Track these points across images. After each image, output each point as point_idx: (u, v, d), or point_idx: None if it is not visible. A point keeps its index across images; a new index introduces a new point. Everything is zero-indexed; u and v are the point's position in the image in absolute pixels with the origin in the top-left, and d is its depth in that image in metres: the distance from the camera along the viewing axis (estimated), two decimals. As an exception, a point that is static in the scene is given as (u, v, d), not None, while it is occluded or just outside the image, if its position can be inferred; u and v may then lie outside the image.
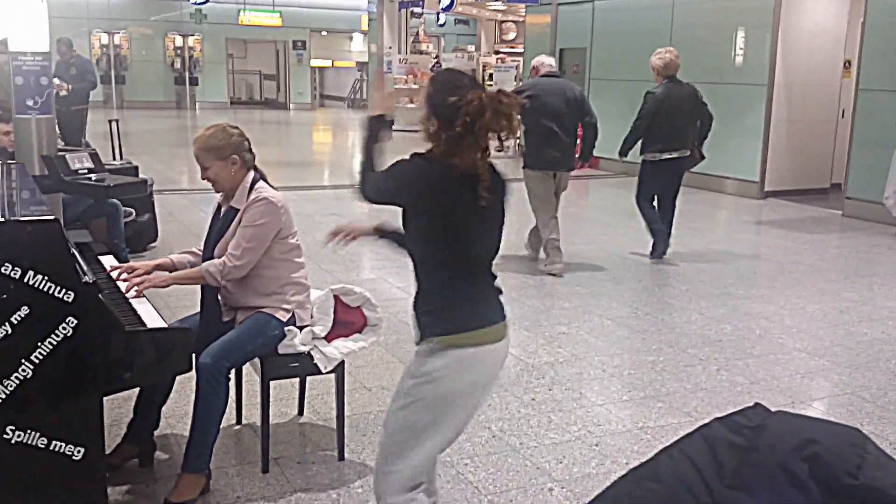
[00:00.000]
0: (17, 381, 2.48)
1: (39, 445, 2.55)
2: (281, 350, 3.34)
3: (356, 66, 31.40)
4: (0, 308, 2.43)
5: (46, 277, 2.46)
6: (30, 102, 4.87)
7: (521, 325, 5.45)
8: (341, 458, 3.55)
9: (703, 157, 7.37)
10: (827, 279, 7.00)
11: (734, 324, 5.64)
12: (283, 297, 3.36)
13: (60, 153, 5.27)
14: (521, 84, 8.24)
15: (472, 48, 21.67)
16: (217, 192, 3.42)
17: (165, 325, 2.94)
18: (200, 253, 3.51)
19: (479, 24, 26.64)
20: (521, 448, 3.73)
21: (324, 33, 29.31)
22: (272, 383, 3.39)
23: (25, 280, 2.44)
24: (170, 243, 7.35)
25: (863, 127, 9.81)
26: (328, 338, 3.45)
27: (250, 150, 3.40)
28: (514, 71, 16.89)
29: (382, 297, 5.38)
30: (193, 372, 3.04)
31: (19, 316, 2.45)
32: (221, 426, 3.23)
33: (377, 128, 2.59)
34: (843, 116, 11.33)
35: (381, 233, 2.76)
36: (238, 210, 3.31)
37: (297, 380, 3.98)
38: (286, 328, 3.34)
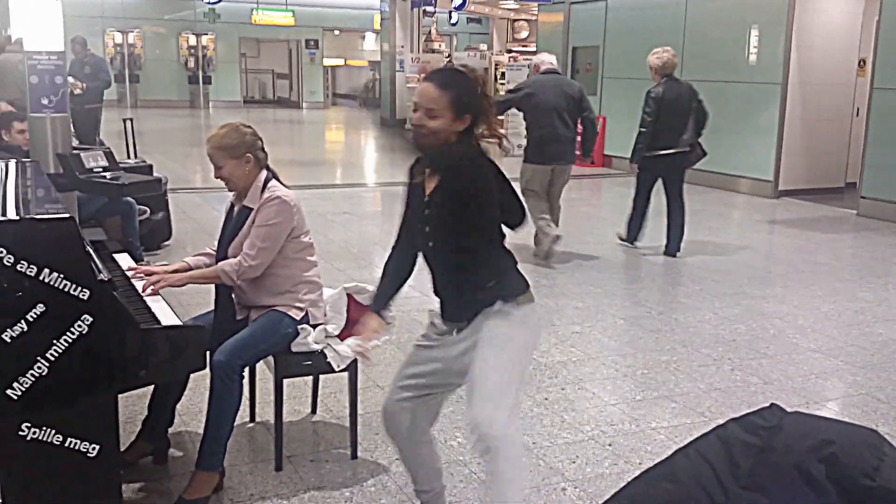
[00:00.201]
0: (33, 379, 2.49)
1: (55, 442, 2.56)
2: (294, 348, 3.35)
3: (368, 66, 31.43)
4: (16, 306, 2.44)
5: (62, 275, 2.47)
6: (45, 101, 4.90)
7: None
8: (354, 456, 3.56)
9: (704, 154, 7.41)
10: (841, 279, 6.96)
11: (748, 323, 5.62)
12: (296, 296, 3.37)
13: (75, 152, 5.30)
14: (521, 81, 8.44)
15: (484, 47, 21.65)
16: (230, 190, 3.43)
17: (180, 323, 2.94)
18: (214, 252, 3.53)
19: (492, 22, 26.60)
20: (534, 447, 3.72)
21: (336, 32, 29.35)
22: (285, 381, 3.40)
23: (41, 278, 2.45)
24: (183, 241, 7.38)
25: (878, 126, 9.74)
26: (341, 336, 3.45)
27: (263, 148, 3.41)
28: (527, 70, 16.85)
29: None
30: (207, 370, 3.05)
31: (35, 313, 2.46)
32: (235, 424, 3.24)
33: None
34: (857, 115, 11.26)
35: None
36: (251, 209, 3.32)
37: (310, 378, 3.98)
38: (299, 326, 3.34)
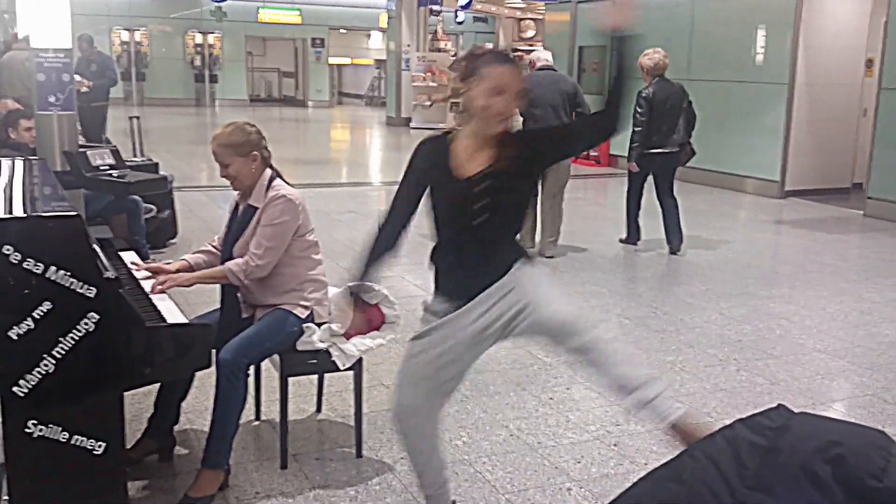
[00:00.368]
0: (39, 376, 2.50)
1: (61, 440, 2.57)
2: (299, 347, 3.35)
3: (374, 64, 31.44)
4: (22, 303, 2.45)
5: (68, 273, 2.48)
6: (51, 99, 4.91)
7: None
8: (359, 454, 3.56)
9: (694, 153, 7.59)
10: (848, 280, 6.94)
11: (754, 324, 5.61)
12: (301, 294, 3.37)
13: (82, 149, 5.31)
14: None
15: (490, 46, 21.64)
16: (235, 189, 3.44)
17: (186, 322, 2.95)
18: (215, 250, 3.53)
19: (498, 21, 26.57)
20: (539, 447, 3.72)
21: (342, 31, 29.36)
22: (290, 380, 3.41)
23: (47, 275, 2.46)
24: (189, 239, 7.39)
25: (885, 126, 9.72)
26: (346, 335, 3.45)
27: (267, 147, 3.42)
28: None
29: (400, 295, 5.37)
30: (213, 368, 3.06)
31: (41, 311, 2.47)
32: (240, 422, 3.24)
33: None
34: (864, 115, 11.23)
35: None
36: (256, 208, 3.32)
37: (315, 377, 3.98)
38: (304, 325, 3.35)
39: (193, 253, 3.58)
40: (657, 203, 7.57)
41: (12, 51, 9.44)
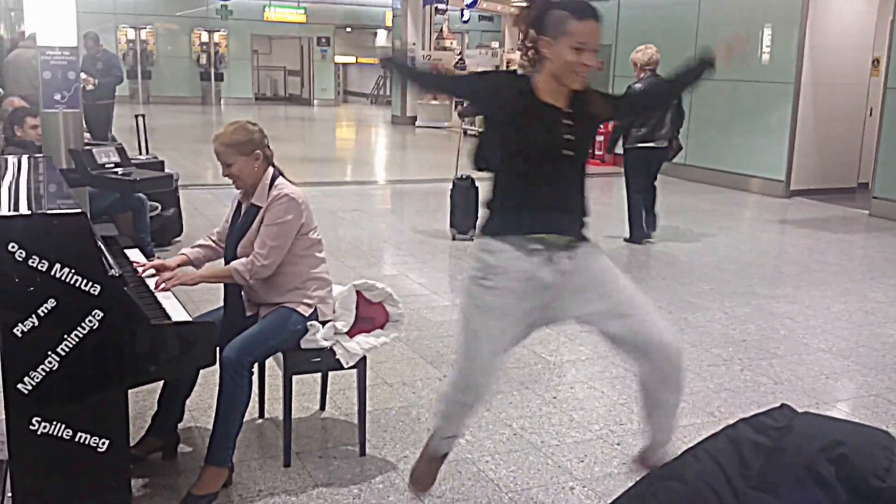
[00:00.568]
0: (44, 373, 2.50)
1: (65, 437, 2.57)
2: (303, 345, 3.35)
3: (380, 63, 31.42)
4: (27, 300, 2.46)
5: (73, 270, 2.48)
6: (57, 97, 4.92)
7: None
8: (363, 453, 3.56)
9: (680, 148, 7.80)
10: (853, 279, 6.93)
11: (758, 323, 5.60)
12: (305, 293, 3.37)
13: (87, 147, 5.33)
14: None
15: (496, 44, 21.59)
16: (238, 188, 3.43)
17: (190, 319, 2.95)
18: (213, 244, 3.53)
19: (504, 20, 26.53)
20: (543, 446, 3.72)
21: (348, 30, 29.37)
22: (294, 378, 3.41)
23: (52, 273, 2.46)
24: (194, 238, 7.34)
25: (891, 126, 9.69)
26: (350, 333, 3.45)
27: (269, 146, 3.41)
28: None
29: (404, 293, 5.39)
30: (217, 366, 3.06)
31: (46, 308, 2.47)
32: (244, 420, 3.25)
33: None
34: (870, 115, 11.21)
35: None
36: (260, 207, 3.32)
37: (319, 375, 3.99)
38: (309, 323, 3.35)
39: (192, 247, 3.58)
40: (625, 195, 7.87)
41: (19, 49, 9.46)
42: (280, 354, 3.37)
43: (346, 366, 3.39)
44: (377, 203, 10.80)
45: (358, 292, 3.56)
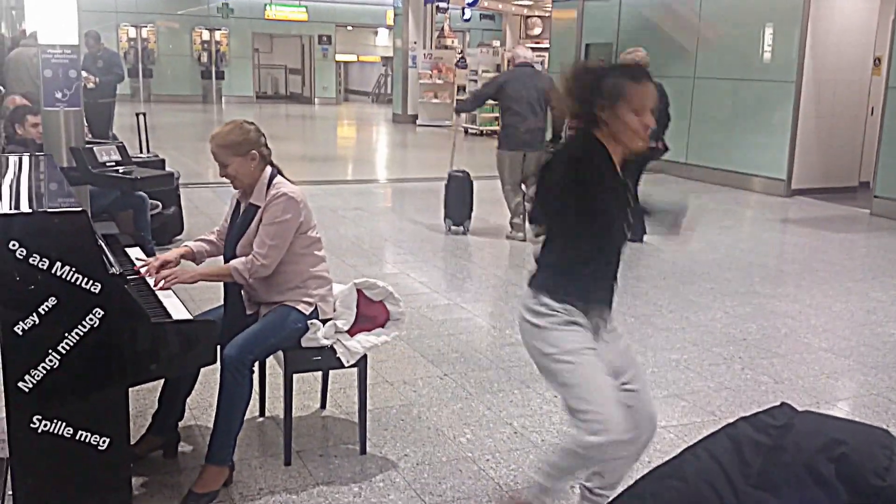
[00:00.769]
0: (44, 371, 2.51)
1: (65, 435, 2.57)
2: (304, 343, 3.35)
3: (381, 61, 31.43)
4: (28, 299, 2.46)
5: (74, 268, 2.48)
6: (58, 95, 4.92)
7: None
8: (363, 451, 3.56)
9: (667, 149, 7.87)
10: (854, 279, 6.93)
11: (759, 322, 5.60)
12: (305, 291, 3.37)
13: (88, 146, 5.32)
14: (496, 74, 9.17)
15: (497, 43, 21.62)
16: (236, 188, 3.43)
17: (191, 318, 2.96)
18: (215, 240, 3.53)
19: (505, 19, 26.56)
20: (543, 445, 3.72)
21: (349, 28, 29.37)
22: (295, 376, 3.41)
23: (53, 271, 2.46)
24: (195, 236, 7.29)
25: (892, 125, 9.68)
26: (351, 331, 3.45)
27: (266, 144, 3.40)
28: (540, 67, 16.82)
29: (405, 292, 5.38)
30: (218, 364, 3.06)
31: (47, 306, 2.47)
32: (245, 418, 3.25)
33: None
34: (872, 114, 11.20)
35: None
36: (258, 207, 3.31)
37: (319, 373, 3.99)
38: (309, 321, 3.35)
39: (196, 240, 3.58)
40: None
41: (20, 47, 9.46)
42: (281, 353, 3.37)
43: (346, 364, 3.39)
44: (378, 202, 10.80)
45: (359, 291, 3.56)
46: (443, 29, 21.61)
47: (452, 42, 21.76)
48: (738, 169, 11.53)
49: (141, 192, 6.32)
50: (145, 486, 3.25)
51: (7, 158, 3.68)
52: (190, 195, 8.65)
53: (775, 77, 11.07)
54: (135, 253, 3.62)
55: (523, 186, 7.83)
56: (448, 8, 21.72)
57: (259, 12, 26.14)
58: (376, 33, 31.40)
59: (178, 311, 2.95)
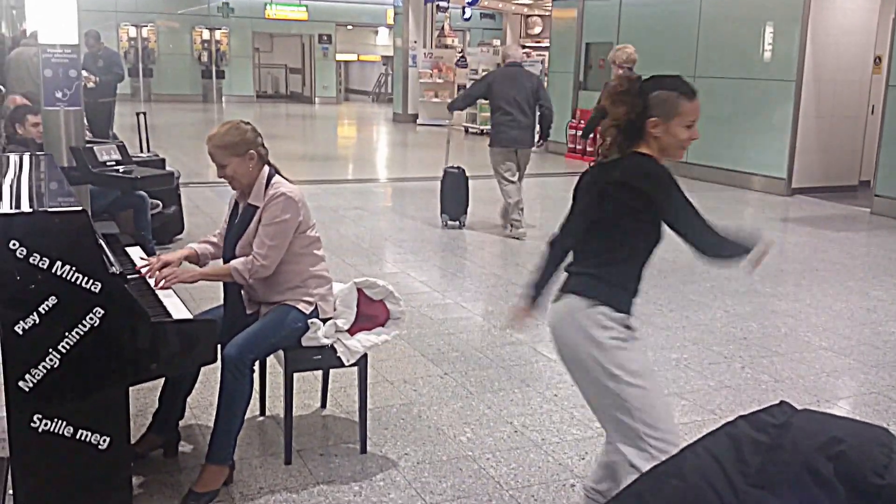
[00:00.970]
0: (45, 371, 2.51)
1: (66, 434, 2.58)
2: (304, 342, 3.35)
3: (381, 61, 31.44)
4: (28, 298, 2.46)
5: (74, 268, 2.49)
6: (58, 94, 4.92)
7: (544, 321, 5.43)
8: (363, 450, 3.57)
9: None
10: (854, 277, 6.93)
11: (760, 321, 5.60)
12: (305, 291, 3.37)
13: (88, 145, 5.32)
14: (485, 73, 9.46)
15: (497, 42, 21.62)
16: (234, 189, 3.43)
17: (191, 317, 2.96)
18: (219, 241, 3.53)
19: (505, 18, 26.58)
20: (543, 444, 3.72)
21: (349, 27, 29.36)
22: (295, 376, 3.41)
23: (53, 270, 2.47)
24: (196, 235, 7.39)
25: (893, 123, 9.68)
26: (351, 331, 3.46)
27: (263, 144, 3.40)
28: (540, 66, 16.82)
29: (405, 291, 5.39)
30: (218, 363, 3.06)
31: (47, 306, 2.48)
32: (245, 418, 3.25)
33: None
34: (872, 113, 11.20)
35: None
36: (257, 207, 3.31)
37: (320, 372, 3.99)
38: (310, 321, 3.35)
39: (200, 242, 3.58)
40: None
41: (21, 47, 9.46)
42: (281, 352, 3.38)
43: (347, 363, 3.39)
44: (379, 201, 10.80)
45: (359, 290, 3.56)
46: (443, 28, 21.62)
47: (453, 41, 21.77)
48: (738, 168, 11.52)
49: (141, 192, 6.32)
50: (145, 486, 3.25)
51: (7, 158, 3.68)
52: (190, 194, 8.65)
53: (775, 76, 11.06)
54: (135, 253, 3.62)
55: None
56: (448, 7, 21.73)
57: (259, 11, 26.13)
58: (376, 32, 31.38)
59: (178, 311, 2.95)
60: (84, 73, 8.00)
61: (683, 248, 2.61)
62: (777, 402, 1.52)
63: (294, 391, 3.41)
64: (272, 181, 3.33)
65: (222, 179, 3.37)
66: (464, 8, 23.97)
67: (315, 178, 10.79)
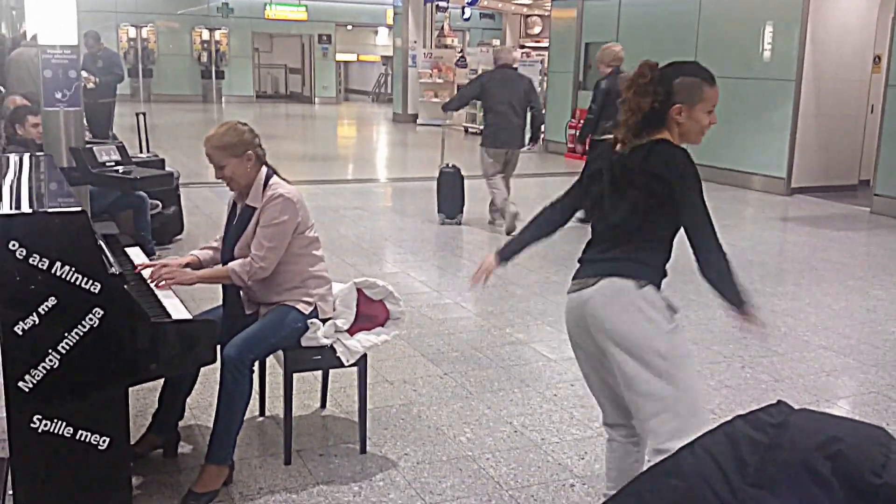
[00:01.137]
0: (44, 371, 2.51)
1: (65, 435, 2.58)
2: (304, 343, 3.36)
3: (381, 61, 31.44)
4: (28, 298, 2.46)
5: (73, 268, 2.49)
6: (58, 95, 4.92)
7: (544, 321, 5.44)
8: (363, 451, 3.57)
9: None
10: (854, 277, 6.93)
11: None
12: (304, 291, 3.38)
13: (88, 146, 5.32)
14: (477, 76, 9.80)
15: (497, 42, 21.62)
16: (232, 190, 3.43)
17: (190, 317, 2.96)
18: (220, 246, 3.54)
19: (505, 18, 26.56)
20: (543, 444, 3.72)
21: (349, 27, 29.36)
22: (295, 376, 3.41)
23: (53, 271, 2.47)
24: (195, 236, 7.40)
25: (892, 123, 9.68)
26: (351, 331, 3.46)
27: (261, 145, 3.40)
28: (540, 66, 16.82)
29: (405, 291, 5.39)
30: (218, 364, 3.06)
31: (46, 306, 2.48)
32: (245, 418, 3.26)
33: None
34: (871, 112, 11.20)
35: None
36: (255, 208, 3.31)
37: (319, 372, 4.00)
38: (309, 321, 3.35)
39: (201, 248, 3.58)
40: None
41: (21, 47, 9.46)
42: (281, 352, 3.38)
43: (346, 364, 3.39)
44: (379, 201, 10.80)
45: (359, 290, 3.56)
46: (443, 28, 21.61)
47: (452, 41, 21.76)
48: (737, 167, 11.52)
49: (141, 192, 6.33)
50: (145, 486, 3.25)
51: (7, 158, 3.68)
52: (190, 195, 8.65)
53: (775, 75, 11.06)
54: (135, 253, 3.63)
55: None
56: (448, 7, 21.72)
57: (259, 12, 26.12)
58: (376, 32, 31.38)
59: (177, 311, 2.95)
60: (84, 73, 8.01)
61: (683, 248, 2.61)
62: (775, 401, 1.52)
63: (294, 391, 3.42)
64: (270, 182, 3.33)
65: (220, 180, 3.37)
66: (463, 8, 23.96)
67: (315, 179, 10.79)
